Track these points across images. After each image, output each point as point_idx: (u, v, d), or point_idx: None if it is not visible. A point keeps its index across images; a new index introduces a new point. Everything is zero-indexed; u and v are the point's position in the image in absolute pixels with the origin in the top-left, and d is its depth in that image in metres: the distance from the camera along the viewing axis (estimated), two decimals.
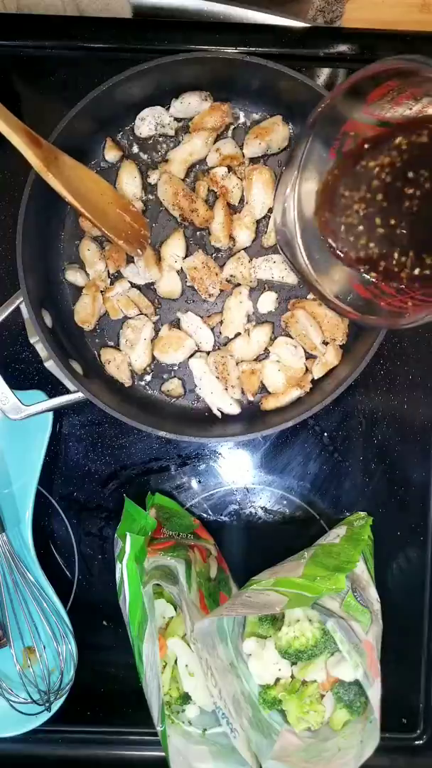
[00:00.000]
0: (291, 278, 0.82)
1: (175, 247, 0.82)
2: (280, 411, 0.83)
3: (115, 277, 0.84)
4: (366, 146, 0.62)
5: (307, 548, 0.83)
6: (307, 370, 0.84)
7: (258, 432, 0.78)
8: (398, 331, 0.89)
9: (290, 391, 0.82)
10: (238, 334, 0.83)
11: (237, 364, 0.83)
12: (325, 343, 0.83)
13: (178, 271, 0.83)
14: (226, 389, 0.83)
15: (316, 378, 0.83)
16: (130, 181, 0.82)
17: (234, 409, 0.83)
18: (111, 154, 0.83)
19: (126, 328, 0.83)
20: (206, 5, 0.89)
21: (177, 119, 0.82)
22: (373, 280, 0.64)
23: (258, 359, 0.84)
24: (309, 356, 0.84)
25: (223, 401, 0.83)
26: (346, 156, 0.64)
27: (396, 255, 0.62)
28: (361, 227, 0.63)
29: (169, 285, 0.83)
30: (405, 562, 0.90)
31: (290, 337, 0.83)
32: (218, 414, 0.83)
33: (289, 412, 0.81)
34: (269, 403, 0.83)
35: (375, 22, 0.90)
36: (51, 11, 0.89)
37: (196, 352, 0.84)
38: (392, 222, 0.61)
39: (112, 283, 0.84)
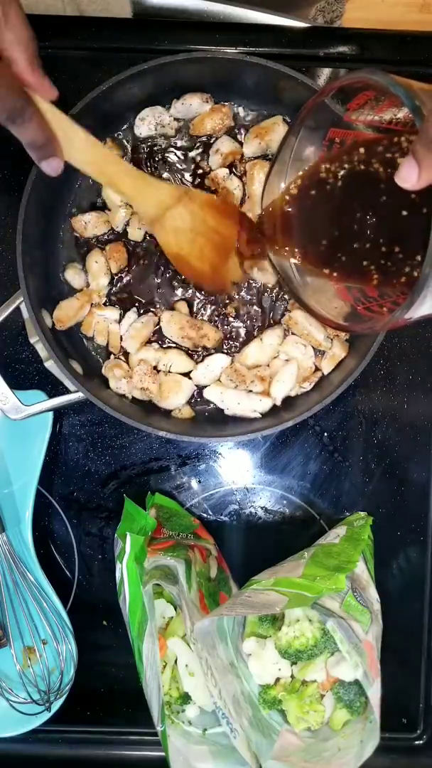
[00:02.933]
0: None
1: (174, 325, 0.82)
2: (279, 410, 0.83)
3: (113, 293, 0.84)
4: (341, 153, 0.63)
5: (307, 548, 0.83)
6: (316, 368, 0.83)
7: (258, 432, 0.78)
8: (398, 331, 0.89)
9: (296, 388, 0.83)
10: (250, 340, 0.84)
11: (249, 369, 0.83)
12: (330, 339, 0.82)
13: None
14: (250, 391, 0.82)
15: (326, 373, 0.83)
16: None
17: (266, 404, 0.82)
18: None
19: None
20: (206, 5, 0.89)
21: (177, 119, 0.82)
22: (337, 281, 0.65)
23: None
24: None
25: (252, 404, 0.82)
26: (321, 161, 0.64)
27: (358, 257, 0.62)
28: (322, 230, 0.64)
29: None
30: (405, 562, 0.90)
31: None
32: (258, 415, 0.83)
33: (289, 412, 0.81)
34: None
35: (375, 21, 0.90)
36: (51, 11, 0.89)
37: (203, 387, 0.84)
38: (352, 227, 0.62)
39: (108, 303, 0.84)
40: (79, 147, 0.63)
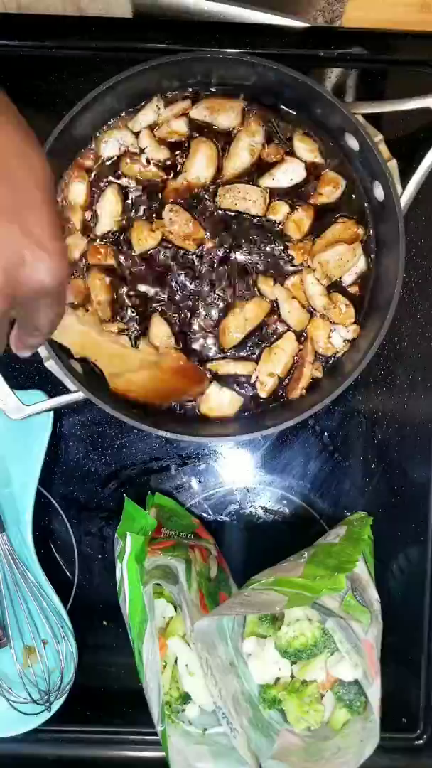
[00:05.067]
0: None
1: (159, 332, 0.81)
2: (279, 408, 0.83)
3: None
4: None
5: (307, 548, 0.83)
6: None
7: (258, 432, 0.78)
8: (398, 331, 0.89)
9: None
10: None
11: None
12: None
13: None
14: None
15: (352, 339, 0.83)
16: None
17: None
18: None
19: None
20: (206, 5, 0.89)
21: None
22: None
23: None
24: None
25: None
26: None
27: None
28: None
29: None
30: (405, 562, 0.90)
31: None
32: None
33: (289, 412, 0.81)
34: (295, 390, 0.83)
35: (375, 21, 0.90)
36: (51, 11, 0.89)
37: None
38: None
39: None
40: (71, 334, 0.74)
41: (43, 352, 0.78)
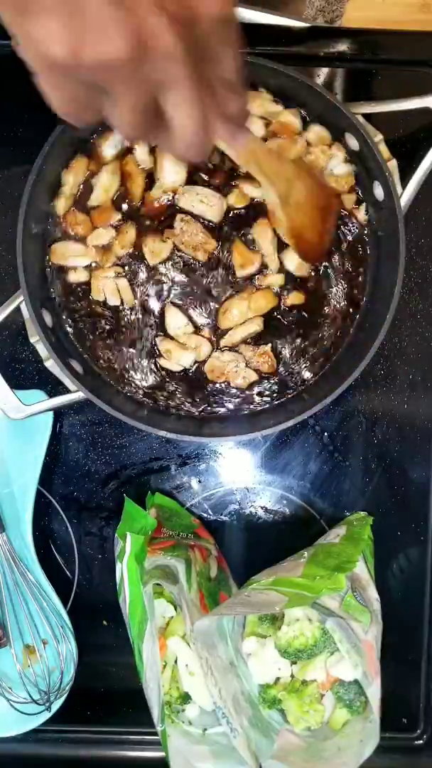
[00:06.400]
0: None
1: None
2: (279, 408, 0.83)
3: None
4: None
5: (307, 548, 0.83)
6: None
7: (258, 432, 0.78)
8: (398, 331, 0.89)
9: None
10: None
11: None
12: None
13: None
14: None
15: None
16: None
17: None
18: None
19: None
20: None
21: None
22: None
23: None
24: None
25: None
26: None
27: None
28: None
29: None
30: (405, 562, 0.90)
31: None
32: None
33: (289, 411, 0.81)
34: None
35: (375, 21, 0.90)
36: None
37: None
38: None
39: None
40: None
41: (43, 352, 0.78)
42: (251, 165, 0.62)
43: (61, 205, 0.81)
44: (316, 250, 0.76)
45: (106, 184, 0.80)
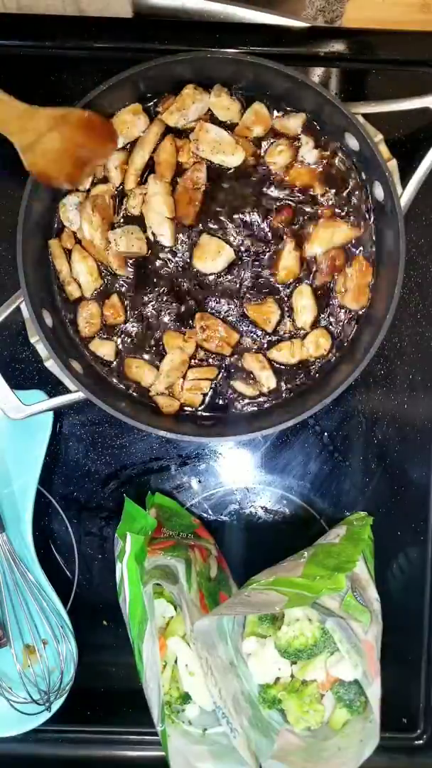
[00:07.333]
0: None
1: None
2: (279, 408, 0.83)
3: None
4: None
5: (307, 548, 0.83)
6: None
7: (258, 432, 0.78)
8: (398, 331, 0.89)
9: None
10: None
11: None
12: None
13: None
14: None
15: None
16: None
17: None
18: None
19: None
20: (206, 5, 0.89)
21: None
22: None
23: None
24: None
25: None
26: None
27: None
28: None
29: None
30: (405, 562, 0.90)
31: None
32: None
33: (289, 411, 0.81)
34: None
35: (375, 21, 0.90)
36: (51, 11, 0.89)
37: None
38: None
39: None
40: None
41: (43, 352, 0.78)
42: None
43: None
44: (64, 178, 0.77)
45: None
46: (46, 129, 0.72)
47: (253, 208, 0.80)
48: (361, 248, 0.82)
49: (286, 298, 0.82)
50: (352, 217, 0.81)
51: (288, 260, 0.80)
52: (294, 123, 0.80)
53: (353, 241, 0.81)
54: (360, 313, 0.82)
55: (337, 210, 0.81)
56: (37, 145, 0.73)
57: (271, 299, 0.82)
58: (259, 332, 0.82)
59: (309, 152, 0.80)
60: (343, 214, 0.81)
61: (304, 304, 0.81)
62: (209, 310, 0.82)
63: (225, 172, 0.81)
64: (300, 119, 0.80)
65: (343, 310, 0.82)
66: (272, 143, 0.80)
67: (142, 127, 0.80)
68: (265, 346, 0.82)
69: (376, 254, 0.82)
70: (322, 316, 0.82)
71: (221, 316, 0.82)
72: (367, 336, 0.80)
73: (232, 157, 0.80)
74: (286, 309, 0.82)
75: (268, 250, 0.81)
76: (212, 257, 0.80)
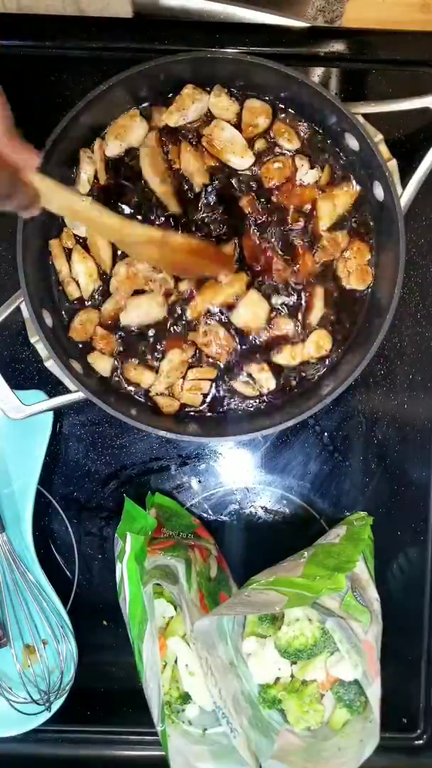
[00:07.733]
0: None
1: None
2: (279, 408, 0.83)
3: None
4: None
5: (307, 548, 0.83)
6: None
7: (258, 432, 0.78)
8: (398, 331, 0.89)
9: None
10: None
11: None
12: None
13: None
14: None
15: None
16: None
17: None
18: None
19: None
20: (206, 5, 0.89)
21: None
22: None
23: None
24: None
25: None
26: None
27: None
28: None
29: None
30: (405, 562, 0.90)
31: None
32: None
33: (289, 411, 0.81)
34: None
35: (375, 21, 0.91)
36: (51, 11, 0.89)
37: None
38: None
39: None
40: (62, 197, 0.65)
41: (43, 352, 0.78)
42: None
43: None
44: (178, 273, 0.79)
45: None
46: (143, 241, 0.70)
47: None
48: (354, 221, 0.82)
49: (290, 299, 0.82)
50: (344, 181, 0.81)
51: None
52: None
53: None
54: (365, 293, 0.83)
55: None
56: (134, 247, 0.71)
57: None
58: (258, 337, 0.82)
59: (307, 173, 0.81)
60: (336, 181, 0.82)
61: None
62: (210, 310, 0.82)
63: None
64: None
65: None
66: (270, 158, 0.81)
67: (141, 131, 0.80)
68: (265, 348, 0.82)
69: (376, 255, 0.82)
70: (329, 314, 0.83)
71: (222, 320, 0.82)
72: (367, 336, 0.80)
73: (241, 160, 0.80)
74: (286, 309, 0.82)
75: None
76: None
